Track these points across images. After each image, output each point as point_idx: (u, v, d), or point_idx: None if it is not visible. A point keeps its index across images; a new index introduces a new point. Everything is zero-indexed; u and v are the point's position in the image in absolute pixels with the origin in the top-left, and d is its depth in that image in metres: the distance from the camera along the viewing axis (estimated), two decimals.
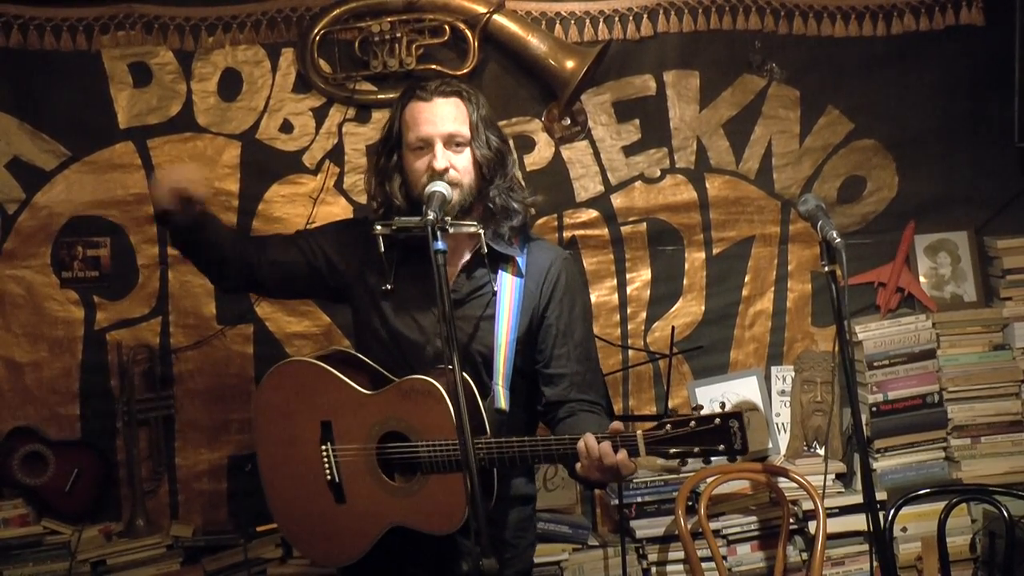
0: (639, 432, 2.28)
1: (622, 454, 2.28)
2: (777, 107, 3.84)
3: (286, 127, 3.68)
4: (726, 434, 2.23)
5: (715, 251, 3.86)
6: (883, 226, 3.90)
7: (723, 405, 2.29)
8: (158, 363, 3.64)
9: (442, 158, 2.49)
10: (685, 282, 3.85)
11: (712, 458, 2.29)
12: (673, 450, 2.27)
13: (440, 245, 2.29)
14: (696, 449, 2.26)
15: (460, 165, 2.51)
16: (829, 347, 3.80)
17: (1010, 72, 3.80)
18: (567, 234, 3.78)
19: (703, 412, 2.26)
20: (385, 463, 2.48)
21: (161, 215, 2.65)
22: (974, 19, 3.84)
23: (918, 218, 3.90)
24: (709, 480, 3.56)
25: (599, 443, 2.28)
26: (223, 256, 2.69)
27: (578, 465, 2.34)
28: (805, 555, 3.65)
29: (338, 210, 3.68)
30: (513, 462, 2.39)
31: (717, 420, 2.23)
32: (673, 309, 3.85)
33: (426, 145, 2.51)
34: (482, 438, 2.37)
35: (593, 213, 3.80)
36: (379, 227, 2.46)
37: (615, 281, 3.83)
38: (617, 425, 2.32)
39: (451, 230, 2.41)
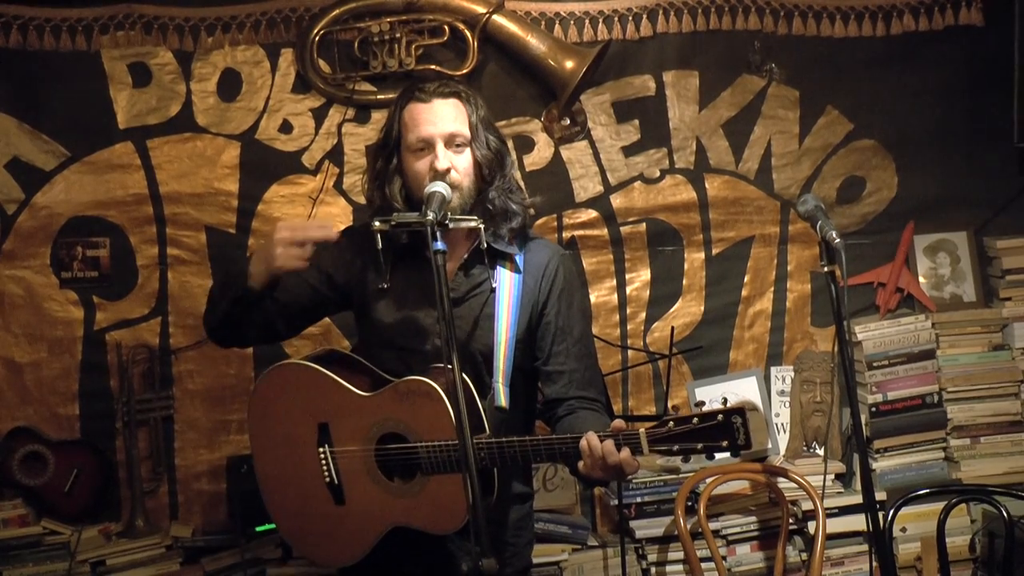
0: (642, 430, 2.27)
1: (625, 452, 2.26)
2: (777, 107, 3.84)
3: (285, 127, 3.68)
4: (729, 430, 2.22)
5: (715, 251, 3.86)
6: (883, 226, 3.90)
7: (725, 401, 2.27)
8: (157, 363, 3.64)
9: (444, 158, 2.47)
10: (685, 282, 3.85)
11: (716, 454, 2.28)
12: (676, 447, 2.25)
13: (440, 245, 2.28)
14: (699, 446, 2.24)
15: (461, 166, 2.49)
16: (829, 347, 3.80)
17: (1010, 72, 3.79)
18: (567, 234, 3.78)
19: (706, 409, 2.26)
20: (384, 464, 2.48)
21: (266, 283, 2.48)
22: (974, 19, 3.84)
23: (918, 218, 3.90)
24: (708, 480, 3.56)
25: (602, 442, 2.27)
26: (265, 320, 2.57)
27: (581, 464, 2.32)
28: (805, 555, 3.65)
29: (337, 211, 3.69)
30: (515, 461, 2.38)
31: (720, 416, 2.22)
32: (673, 309, 3.85)
33: (427, 146, 2.49)
34: (482, 437, 2.36)
35: (593, 213, 3.80)
36: (378, 223, 2.44)
37: (615, 281, 3.83)
38: (619, 423, 2.30)
39: (451, 225, 2.39)
